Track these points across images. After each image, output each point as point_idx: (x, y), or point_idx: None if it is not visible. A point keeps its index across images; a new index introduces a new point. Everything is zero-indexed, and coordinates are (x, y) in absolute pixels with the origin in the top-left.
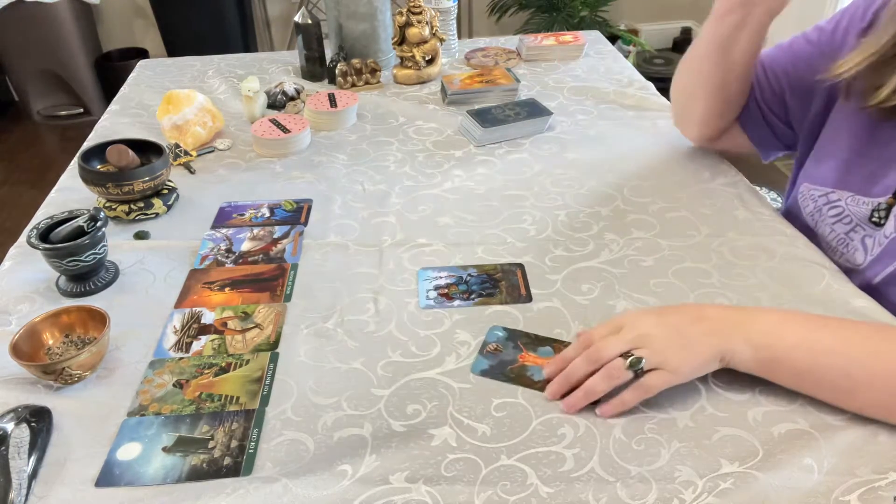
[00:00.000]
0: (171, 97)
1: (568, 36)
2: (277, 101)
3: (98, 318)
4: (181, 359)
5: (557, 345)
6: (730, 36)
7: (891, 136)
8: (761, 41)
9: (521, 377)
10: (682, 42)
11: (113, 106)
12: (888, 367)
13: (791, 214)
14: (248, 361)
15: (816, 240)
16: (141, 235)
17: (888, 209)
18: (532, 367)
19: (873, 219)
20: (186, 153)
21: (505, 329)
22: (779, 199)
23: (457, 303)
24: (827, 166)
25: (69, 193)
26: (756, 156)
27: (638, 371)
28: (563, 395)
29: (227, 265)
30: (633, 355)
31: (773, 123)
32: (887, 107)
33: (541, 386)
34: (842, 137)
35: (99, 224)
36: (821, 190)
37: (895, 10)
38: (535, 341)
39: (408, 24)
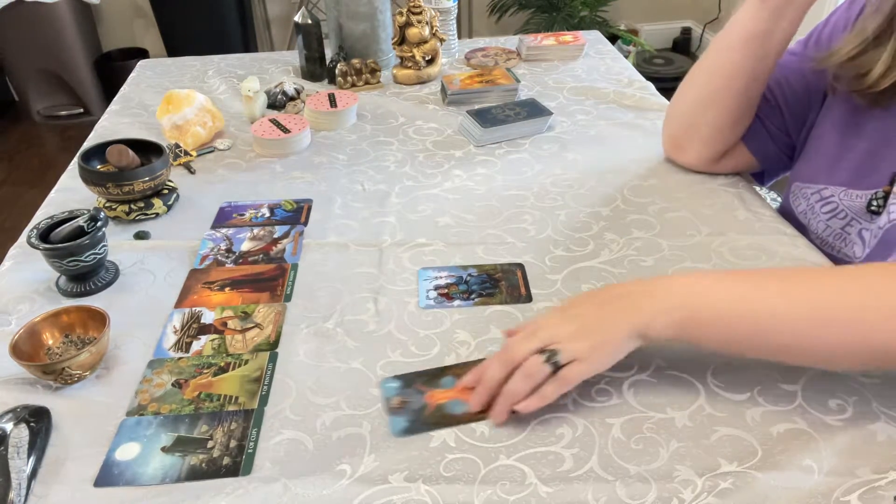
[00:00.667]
0: (171, 97)
1: (568, 36)
2: (277, 101)
3: (98, 318)
4: (180, 359)
5: (455, 369)
6: (769, 23)
7: (877, 126)
8: (794, 32)
9: (444, 418)
10: (682, 42)
11: (113, 106)
12: (801, 308)
13: (785, 213)
14: (246, 361)
15: (809, 237)
16: (141, 235)
17: (885, 197)
18: (446, 403)
19: (871, 208)
20: (186, 153)
21: (395, 377)
22: (778, 198)
23: (457, 303)
24: (816, 164)
25: (69, 193)
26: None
27: (556, 363)
28: (489, 405)
29: (227, 265)
30: (548, 350)
31: (774, 133)
32: (874, 92)
33: (468, 418)
34: (828, 134)
35: (99, 224)
36: (812, 187)
37: (877, 4)
38: (432, 376)
39: (408, 24)
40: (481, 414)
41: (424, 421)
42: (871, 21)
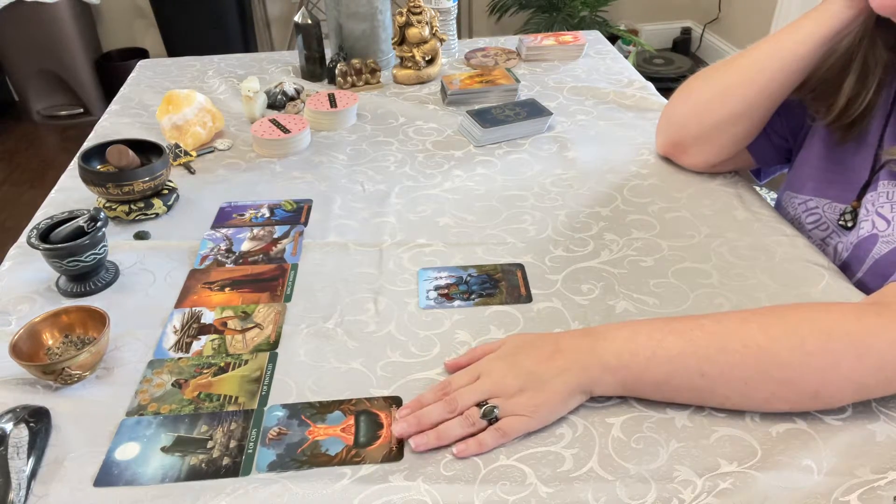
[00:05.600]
0: (171, 97)
1: (568, 36)
2: (277, 101)
3: (98, 319)
4: (180, 359)
5: (347, 405)
6: (840, 31)
7: (849, 151)
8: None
9: (315, 457)
10: (682, 42)
11: (113, 106)
12: (733, 359)
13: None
14: (246, 361)
15: None
16: (141, 235)
17: (854, 212)
18: (325, 440)
19: (840, 222)
20: (186, 153)
21: (283, 406)
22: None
23: (457, 303)
24: (804, 174)
25: (69, 193)
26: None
27: (492, 419)
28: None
29: (227, 265)
30: (487, 403)
31: (774, 139)
32: (844, 125)
33: (338, 461)
34: (815, 146)
35: (99, 224)
36: (800, 197)
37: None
38: (322, 409)
39: (408, 24)
40: (354, 457)
41: (295, 458)
42: (833, 55)
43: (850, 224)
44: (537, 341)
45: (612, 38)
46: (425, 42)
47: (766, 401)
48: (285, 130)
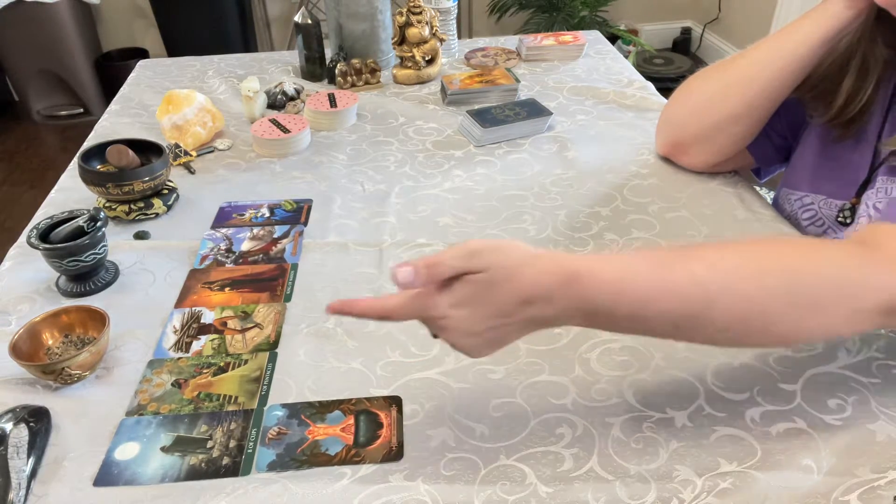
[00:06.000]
0: (171, 97)
1: (568, 36)
2: (277, 101)
3: (98, 318)
4: (179, 358)
5: (346, 405)
6: (840, 31)
7: (847, 148)
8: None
9: (315, 457)
10: (681, 42)
11: (113, 106)
12: (717, 314)
13: None
14: (246, 361)
15: None
16: (141, 235)
17: (852, 209)
18: (325, 440)
19: (839, 219)
20: (186, 153)
21: (283, 406)
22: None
23: None
24: (801, 171)
25: (69, 193)
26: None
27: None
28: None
29: (227, 265)
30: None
31: (774, 138)
32: (843, 122)
33: (338, 461)
34: (812, 143)
35: (99, 224)
36: (796, 194)
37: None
38: (321, 409)
39: (408, 24)
40: (354, 456)
41: (295, 458)
42: (832, 54)
43: (848, 220)
44: (502, 293)
45: (612, 38)
46: (425, 42)
47: (732, 342)
48: (285, 130)
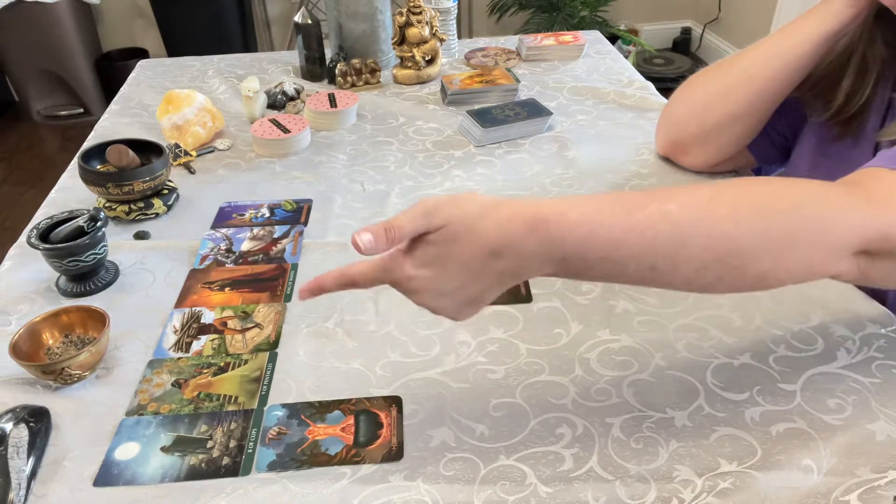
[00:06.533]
0: (171, 97)
1: (568, 36)
2: (277, 101)
3: (98, 318)
4: (180, 359)
5: (346, 405)
6: (841, 30)
7: (840, 149)
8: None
9: (315, 457)
10: (682, 42)
11: (113, 106)
12: (692, 252)
13: None
14: (246, 361)
15: None
16: (141, 235)
17: None
18: (325, 440)
19: None
20: (186, 153)
21: (283, 406)
22: None
23: None
24: (799, 169)
25: (69, 193)
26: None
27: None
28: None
29: (227, 265)
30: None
31: (775, 138)
32: (842, 120)
33: (338, 461)
34: (810, 141)
35: (99, 224)
36: None
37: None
38: (321, 409)
39: (408, 24)
40: (354, 456)
41: (295, 457)
42: (833, 52)
43: None
44: (465, 247)
45: (612, 38)
46: (425, 42)
47: (709, 284)
48: (285, 130)
